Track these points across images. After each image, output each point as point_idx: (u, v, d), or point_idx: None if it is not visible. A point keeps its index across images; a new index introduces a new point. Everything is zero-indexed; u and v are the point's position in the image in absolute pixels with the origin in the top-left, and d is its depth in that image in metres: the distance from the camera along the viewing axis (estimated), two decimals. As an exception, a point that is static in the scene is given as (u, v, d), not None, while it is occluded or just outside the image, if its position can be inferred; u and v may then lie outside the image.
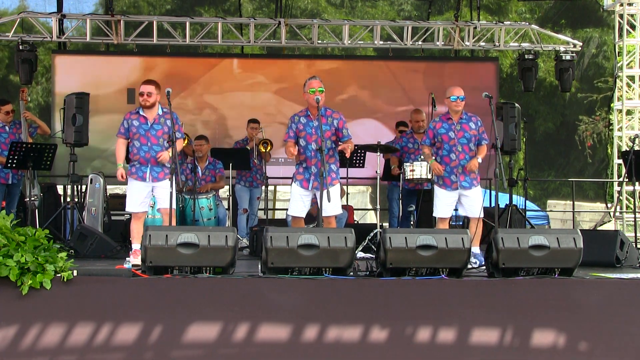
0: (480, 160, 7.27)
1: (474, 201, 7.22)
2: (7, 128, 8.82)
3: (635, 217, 8.70)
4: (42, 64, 14.90)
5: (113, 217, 9.07)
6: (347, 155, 6.92)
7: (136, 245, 6.84)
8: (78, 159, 8.75)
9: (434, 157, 7.37)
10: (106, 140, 11.79)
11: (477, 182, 7.32)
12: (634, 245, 7.79)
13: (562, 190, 19.53)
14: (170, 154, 6.81)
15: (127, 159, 7.17)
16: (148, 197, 7.01)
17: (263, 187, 9.95)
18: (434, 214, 7.43)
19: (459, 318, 5.52)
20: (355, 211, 12.15)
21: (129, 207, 7.02)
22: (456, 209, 7.60)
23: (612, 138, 13.27)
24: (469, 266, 6.49)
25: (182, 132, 7.00)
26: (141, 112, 6.96)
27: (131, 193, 7.01)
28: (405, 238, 5.69)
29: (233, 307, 5.42)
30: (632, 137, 9.51)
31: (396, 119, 10.90)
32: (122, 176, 6.91)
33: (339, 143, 7.01)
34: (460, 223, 8.83)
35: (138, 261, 6.60)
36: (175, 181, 6.69)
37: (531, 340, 5.51)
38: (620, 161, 11.72)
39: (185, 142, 9.21)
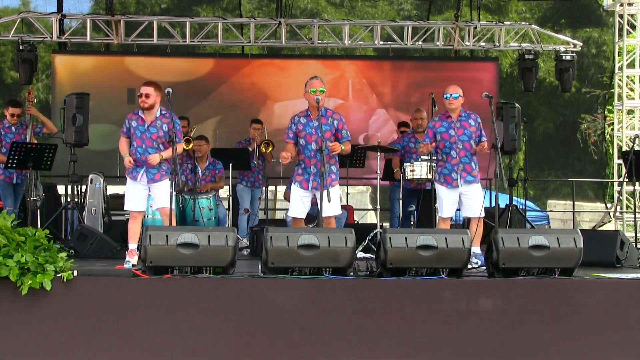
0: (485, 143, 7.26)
1: (474, 201, 7.20)
2: (13, 129, 8.83)
3: (635, 217, 8.70)
4: (42, 60, 14.88)
5: (113, 217, 9.07)
6: (337, 152, 6.87)
7: (132, 245, 6.85)
8: (78, 158, 8.75)
9: (430, 151, 7.35)
10: (106, 140, 11.79)
11: (478, 179, 7.32)
12: (634, 245, 7.79)
13: (562, 190, 19.54)
14: (163, 156, 6.82)
15: None
16: (143, 198, 6.99)
17: (264, 188, 9.94)
18: (439, 214, 7.41)
19: (458, 317, 5.52)
20: (355, 211, 12.14)
21: (126, 205, 7.03)
22: (458, 209, 7.60)
23: (612, 137, 13.27)
24: (470, 266, 6.49)
25: (180, 136, 6.96)
26: (140, 114, 6.96)
27: (127, 191, 7.04)
28: (406, 238, 5.68)
29: (233, 307, 5.42)
30: (632, 137, 9.51)
31: (396, 119, 10.90)
32: (130, 162, 6.88)
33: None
34: (461, 223, 8.82)
35: (134, 260, 6.62)
36: (175, 182, 6.68)
37: (531, 341, 5.52)
38: (621, 161, 11.71)
39: (190, 146, 9.16)
